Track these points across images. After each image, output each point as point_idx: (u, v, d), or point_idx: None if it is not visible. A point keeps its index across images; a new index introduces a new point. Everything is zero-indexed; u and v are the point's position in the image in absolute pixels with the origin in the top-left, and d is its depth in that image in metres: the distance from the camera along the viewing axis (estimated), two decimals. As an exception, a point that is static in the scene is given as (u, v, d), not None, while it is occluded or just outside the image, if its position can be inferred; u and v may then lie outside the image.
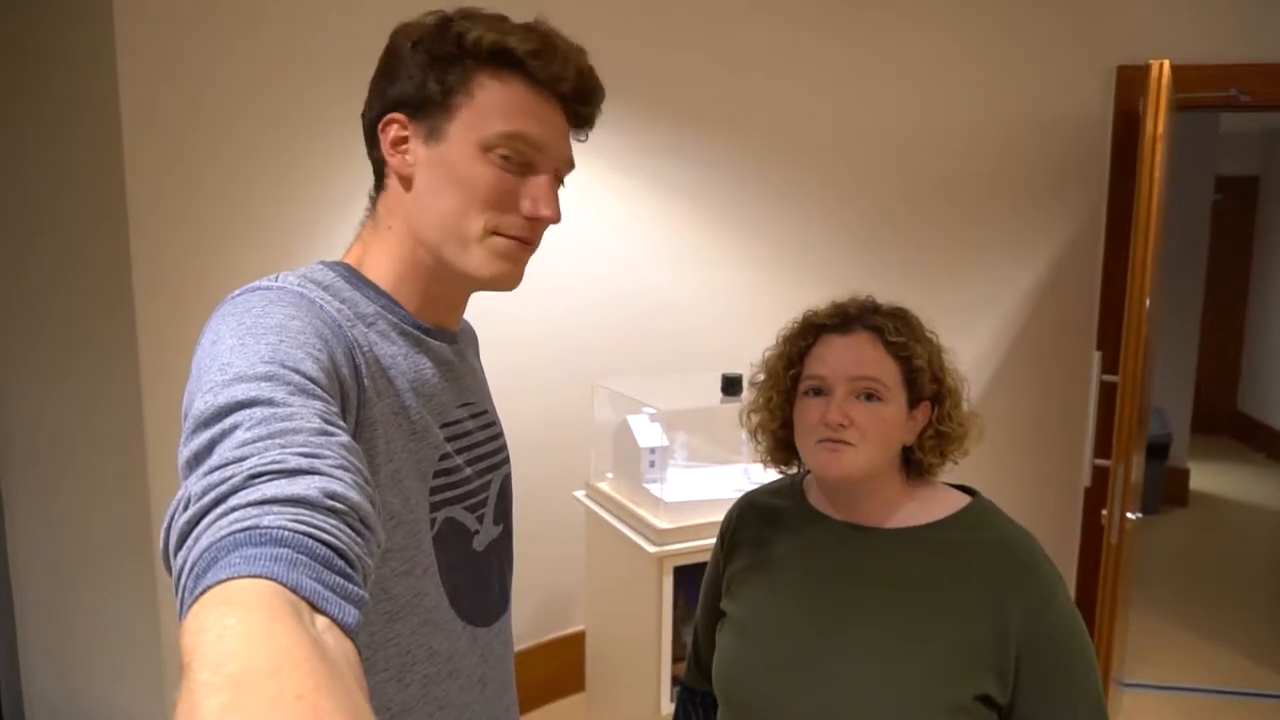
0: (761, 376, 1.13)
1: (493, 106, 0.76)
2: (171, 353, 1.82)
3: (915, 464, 1.06)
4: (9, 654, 1.98)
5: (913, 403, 1.04)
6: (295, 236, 2.04)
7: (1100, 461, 2.45)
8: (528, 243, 0.81)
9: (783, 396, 1.09)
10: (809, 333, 1.08)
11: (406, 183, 0.80)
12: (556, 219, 0.80)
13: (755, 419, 1.14)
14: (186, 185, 1.86)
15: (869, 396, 1.00)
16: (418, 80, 0.78)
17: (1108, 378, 2.49)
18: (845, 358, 1.02)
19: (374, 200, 0.84)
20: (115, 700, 1.98)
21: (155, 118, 1.80)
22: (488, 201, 0.77)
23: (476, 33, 0.76)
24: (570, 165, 0.83)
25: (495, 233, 0.78)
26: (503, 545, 0.94)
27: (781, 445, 1.13)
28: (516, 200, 0.78)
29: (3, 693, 1.97)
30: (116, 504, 1.89)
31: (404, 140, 0.79)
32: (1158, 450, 4.78)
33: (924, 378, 1.03)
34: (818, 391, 1.03)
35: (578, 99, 0.80)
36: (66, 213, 1.86)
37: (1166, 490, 5.01)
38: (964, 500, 1.07)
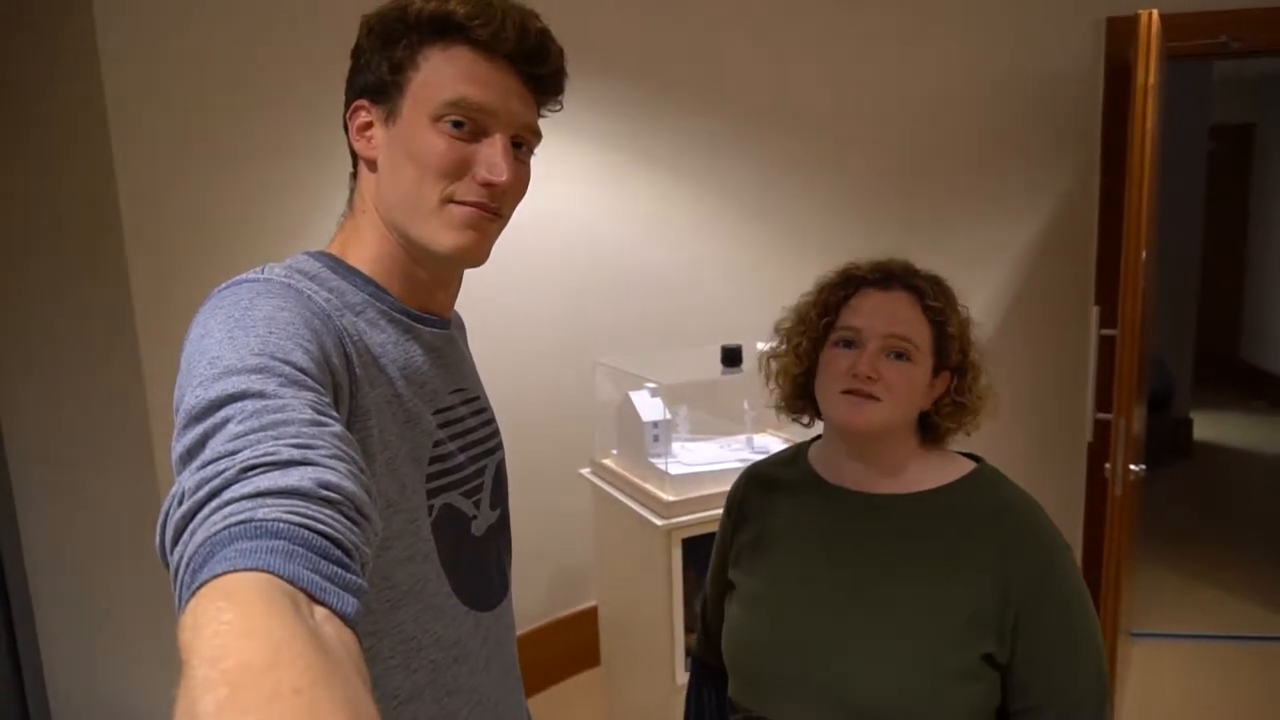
0: (789, 323, 1.12)
1: (438, 76, 0.76)
2: (173, 347, 1.82)
3: (932, 429, 1.06)
4: (31, 651, 2.00)
5: (936, 369, 1.04)
6: (299, 227, 2.03)
7: (1102, 415, 2.45)
8: (487, 210, 0.78)
9: (812, 343, 1.08)
10: (848, 284, 1.07)
11: (372, 166, 0.80)
12: (507, 183, 0.77)
13: (777, 364, 1.13)
14: (178, 177, 1.86)
15: (899, 355, 1.00)
16: (375, 64, 0.78)
17: (1106, 331, 2.49)
18: (882, 313, 1.02)
19: (351, 190, 0.85)
20: (136, 694, 2.00)
21: (143, 114, 1.79)
22: (441, 170, 0.76)
23: (419, 4, 0.75)
24: (533, 132, 0.81)
25: (451, 200, 0.77)
26: (501, 530, 0.94)
27: (800, 393, 1.12)
28: (470, 167, 0.77)
29: (27, 690, 2.00)
30: (129, 499, 1.91)
31: (369, 126, 0.80)
32: (1160, 402, 4.78)
33: (953, 346, 1.03)
34: (848, 343, 1.03)
35: (527, 60, 0.78)
36: (59, 218, 1.86)
37: (1170, 441, 5.01)
38: (969, 466, 1.07)
